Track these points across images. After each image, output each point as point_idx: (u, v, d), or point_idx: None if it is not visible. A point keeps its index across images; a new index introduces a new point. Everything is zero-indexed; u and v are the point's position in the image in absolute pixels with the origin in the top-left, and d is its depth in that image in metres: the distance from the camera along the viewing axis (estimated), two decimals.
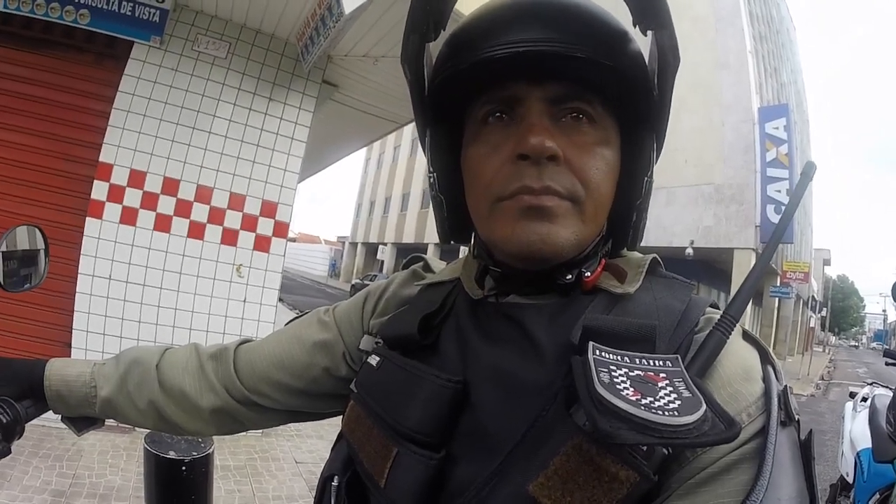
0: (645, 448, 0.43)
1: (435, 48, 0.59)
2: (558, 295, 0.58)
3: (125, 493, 2.99)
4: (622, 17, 0.55)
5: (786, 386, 0.49)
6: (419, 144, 0.66)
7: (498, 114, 0.55)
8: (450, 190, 0.61)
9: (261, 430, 4.11)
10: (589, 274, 0.57)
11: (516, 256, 0.55)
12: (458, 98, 0.58)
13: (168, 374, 0.78)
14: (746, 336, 0.54)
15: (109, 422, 0.82)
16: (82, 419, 0.80)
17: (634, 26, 0.53)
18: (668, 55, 0.52)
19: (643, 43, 0.56)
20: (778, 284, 17.30)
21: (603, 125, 0.55)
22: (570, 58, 0.50)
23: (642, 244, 0.63)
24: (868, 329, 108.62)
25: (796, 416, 0.48)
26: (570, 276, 0.56)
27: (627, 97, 0.55)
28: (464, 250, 0.70)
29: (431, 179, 0.63)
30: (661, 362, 0.45)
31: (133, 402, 0.77)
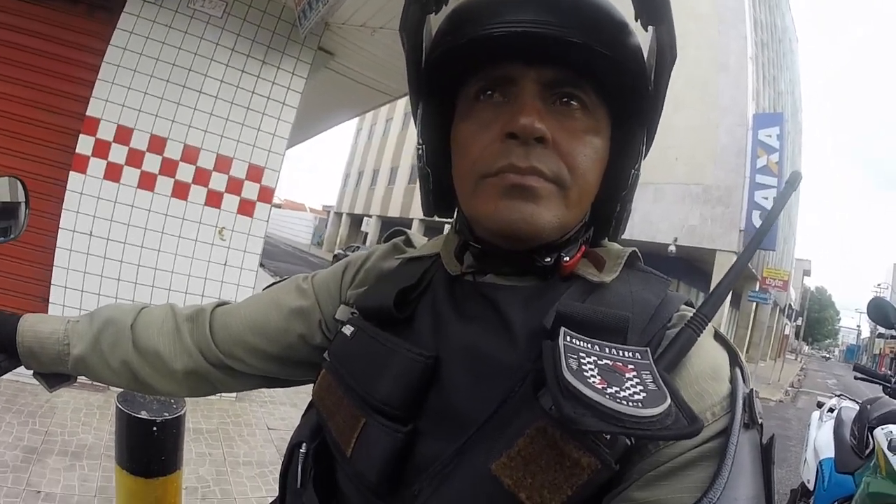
0: (608, 437, 0.43)
1: (437, 22, 0.59)
2: (535, 278, 0.59)
3: (97, 451, 2.99)
4: (629, 13, 0.54)
5: (752, 389, 0.50)
6: (411, 119, 0.67)
7: (490, 92, 0.56)
8: (437, 164, 0.62)
9: (234, 395, 4.11)
10: (568, 259, 0.57)
11: (497, 234, 0.56)
12: (453, 73, 0.58)
13: (143, 335, 0.77)
14: (718, 337, 0.55)
15: (83, 380, 0.81)
16: (54, 375, 0.79)
17: (636, 20, 0.52)
18: (666, 51, 0.53)
19: (644, 39, 0.56)
20: (757, 289, 17.52)
21: (595, 114, 0.56)
22: (567, 42, 0.50)
23: (626, 237, 0.63)
24: (841, 342, 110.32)
25: (760, 420, 0.49)
26: (549, 259, 0.57)
27: (622, 89, 0.56)
28: (448, 228, 0.71)
29: (420, 151, 0.63)
30: (630, 354, 0.45)
31: (106, 361, 0.76)
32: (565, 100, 0.54)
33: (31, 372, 0.78)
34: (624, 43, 0.53)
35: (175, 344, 0.77)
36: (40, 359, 0.76)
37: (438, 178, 0.62)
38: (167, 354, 0.76)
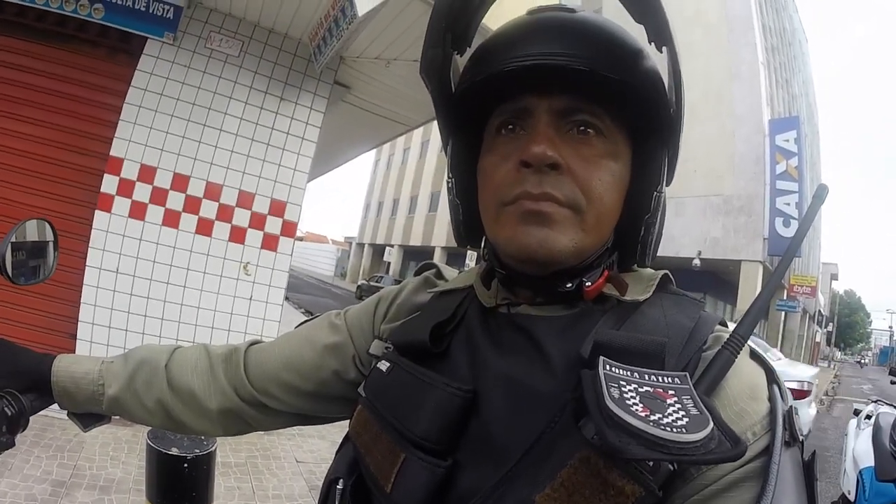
0: (651, 463, 0.43)
1: (463, 60, 0.62)
2: (567, 307, 0.59)
3: (125, 485, 3.00)
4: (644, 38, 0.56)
5: (791, 406, 0.50)
6: (428, 149, 0.68)
7: (512, 126, 0.57)
8: (466, 196, 0.64)
9: None
10: (590, 284, 0.58)
11: (516, 258, 0.57)
12: (477, 109, 0.61)
13: (177, 374, 0.78)
14: (753, 355, 0.55)
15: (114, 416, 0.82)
16: (88, 415, 0.80)
17: (650, 43, 0.54)
18: (678, 70, 0.54)
19: (662, 61, 0.57)
20: (785, 298, 17.20)
21: (613, 139, 0.56)
22: (575, 70, 0.52)
23: None
24: (874, 345, 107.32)
25: (801, 437, 0.49)
26: (570, 285, 0.58)
27: (640, 112, 0.56)
28: (470, 255, 0.71)
29: (450, 184, 0.65)
30: (669, 379, 0.45)
31: (141, 401, 0.77)
32: (581, 127, 0.55)
33: (66, 413, 0.79)
34: (633, 66, 0.54)
35: (210, 383, 0.77)
36: (75, 398, 0.77)
37: (468, 208, 0.64)
38: (202, 393, 0.77)
